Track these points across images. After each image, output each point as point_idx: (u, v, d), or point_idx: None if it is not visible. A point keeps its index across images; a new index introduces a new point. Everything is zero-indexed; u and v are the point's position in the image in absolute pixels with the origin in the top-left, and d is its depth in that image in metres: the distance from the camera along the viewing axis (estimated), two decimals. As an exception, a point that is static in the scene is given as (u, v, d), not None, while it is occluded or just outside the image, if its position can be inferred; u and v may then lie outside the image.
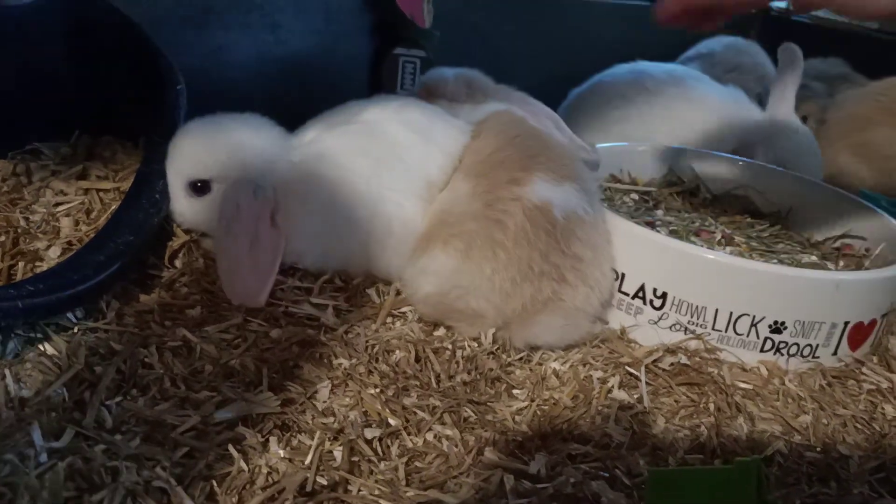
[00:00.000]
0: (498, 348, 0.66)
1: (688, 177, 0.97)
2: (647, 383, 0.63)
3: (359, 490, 0.49)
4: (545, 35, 1.26)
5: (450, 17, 1.08)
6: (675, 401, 0.62)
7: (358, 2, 1.08)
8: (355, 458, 0.51)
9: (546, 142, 0.75)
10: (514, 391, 0.62)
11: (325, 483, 0.48)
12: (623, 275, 0.72)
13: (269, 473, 0.49)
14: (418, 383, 0.59)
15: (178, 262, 0.69)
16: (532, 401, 0.60)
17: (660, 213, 0.90)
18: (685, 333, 0.69)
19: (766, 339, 0.68)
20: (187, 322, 0.61)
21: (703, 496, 0.46)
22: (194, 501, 0.45)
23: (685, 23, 0.72)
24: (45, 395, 0.52)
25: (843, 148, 1.11)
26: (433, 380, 0.60)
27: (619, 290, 0.72)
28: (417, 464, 0.52)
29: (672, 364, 0.65)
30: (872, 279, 0.69)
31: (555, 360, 0.66)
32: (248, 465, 0.49)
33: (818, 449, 0.59)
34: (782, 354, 0.69)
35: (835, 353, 0.70)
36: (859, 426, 0.62)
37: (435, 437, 0.54)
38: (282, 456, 0.50)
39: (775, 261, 0.81)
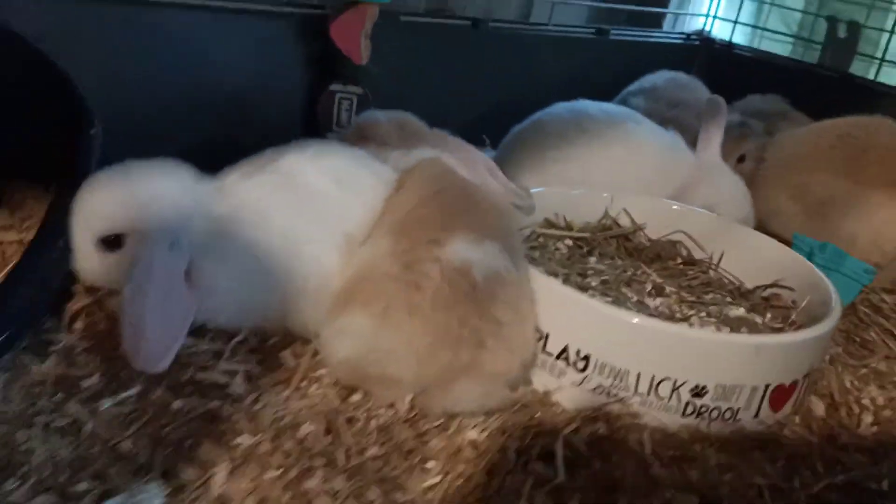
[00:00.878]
0: (415, 415, 0.64)
1: (624, 221, 0.97)
2: (565, 456, 0.61)
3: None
4: (487, 69, 1.25)
5: (389, 53, 1.06)
6: (593, 474, 0.60)
7: (292, 35, 1.05)
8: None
9: (471, 196, 0.73)
10: (428, 464, 0.60)
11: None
12: (547, 335, 0.70)
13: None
14: (325, 461, 0.56)
15: (78, 325, 0.65)
16: (445, 475, 0.58)
17: (593, 260, 0.89)
18: (608, 397, 0.68)
19: (687, 402, 0.67)
20: (82, 395, 0.58)
21: None
22: None
23: None
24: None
25: (780, 189, 1.11)
26: (342, 455, 0.57)
27: (543, 351, 0.71)
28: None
29: (591, 434, 0.63)
30: (792, 342, 0.69)
31: (473, 428, 0.64)
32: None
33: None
34: (704, 418, 0.68)
35: (756, 416, 0.69)
36: (776, 495, 0.62)
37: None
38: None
39: (704, 313, 0.81)
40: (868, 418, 0.76)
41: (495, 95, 1.25)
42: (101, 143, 0.77)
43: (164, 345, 0.63)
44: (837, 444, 0.70)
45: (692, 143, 1.07)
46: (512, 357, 0.66)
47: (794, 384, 0.70)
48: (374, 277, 0.67)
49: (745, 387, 0.67)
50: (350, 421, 0.61)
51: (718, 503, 0.59)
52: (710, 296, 0.85)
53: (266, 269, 0.70)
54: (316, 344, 0.70)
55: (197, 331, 0.67)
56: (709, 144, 1.03)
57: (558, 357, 0.70)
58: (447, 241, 0.66)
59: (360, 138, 0.85)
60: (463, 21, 1.19)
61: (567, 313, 0.69)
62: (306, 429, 0.59)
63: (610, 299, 0.78)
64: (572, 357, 0.69)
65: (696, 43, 1.57)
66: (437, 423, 0.64)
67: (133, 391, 0.59)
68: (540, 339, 0.71)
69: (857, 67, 1.47)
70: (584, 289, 0.80)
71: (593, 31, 1.39)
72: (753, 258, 0.89)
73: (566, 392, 0.69)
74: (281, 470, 0.54)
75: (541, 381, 0.71)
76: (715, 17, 1.60)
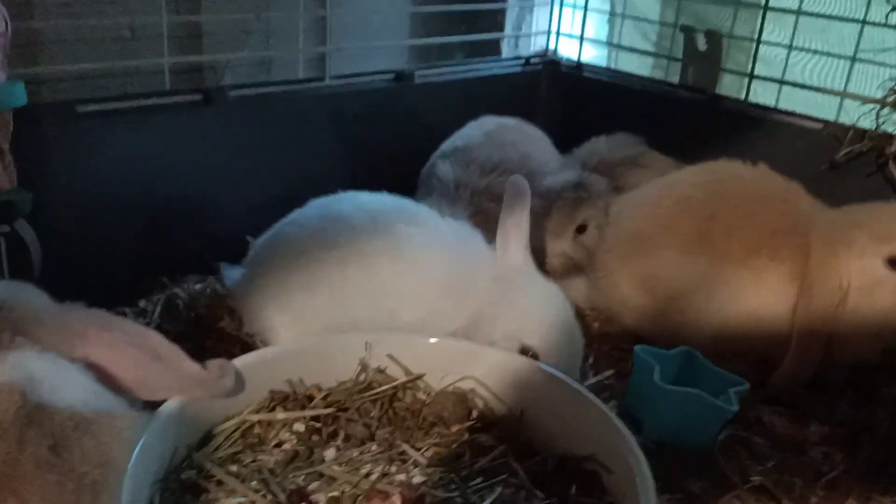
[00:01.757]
0: None
1: (391, 372, 0.70)
2: None
3: None
4: (235, 151, 0.96)
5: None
6: None
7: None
8: None
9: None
10: None
11: None
12: None
13: None
14: None
15: None
16: None
17: (329, 453, 0.62)
18: None
19: None
20: None
21: None
22: None
23: None
24: None
25: (623, 276, 0.86)
26: None
27: None
28: None
29: None
30: None
31: None
32: None
33: None
34: None
35: None
36: None
37: None
38: None
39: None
40: None
41: (256, 183, 0.97)
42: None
43: None
44: None
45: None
46: None
47: None
48: None
49: None
50: None
51: None
52: (497, 493, 0.59)
53: None
54: None
55: None
56: (507, 247, 0.75)
57: None
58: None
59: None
60: (194, 96, 0.91)
61: None
62: None
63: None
64: None
65: (539, 67, 1.30)
66: None
67: None
68: None
69: (727, 85, 1.22)
70: (291, 528, 0.54)
71: (391, 76, 1.12)
72: (564, 420, 0.64)
73: None
74: None
75: None
76: (559, 33, 1.34)
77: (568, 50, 1.34)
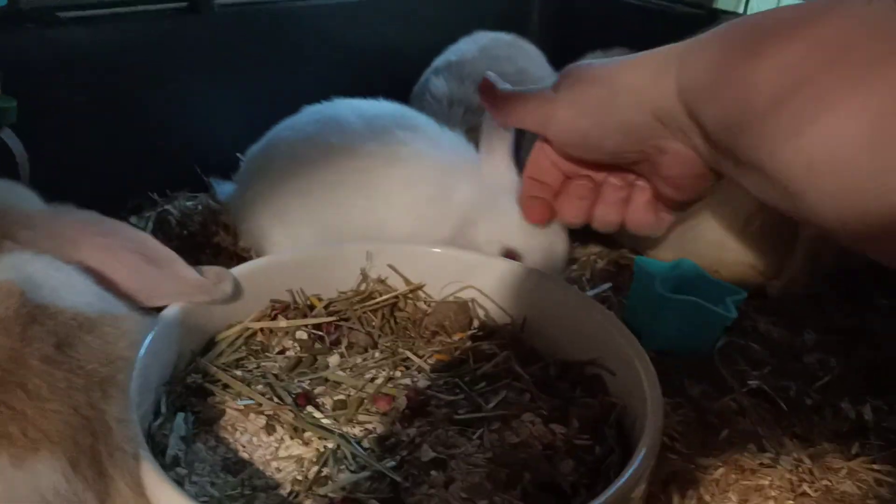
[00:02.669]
0: None
1: (392, 282, 0.69)
2: None
3: None
4: (220, 65, 0.93)
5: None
6: None
7: None
8: None
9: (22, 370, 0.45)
10: None
11: None
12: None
13: None
14: None
15: None
16: None
17: (333, 360, 0.62)
18: None
19: None
20: None
21: None
22: None
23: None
24: None
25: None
26: None
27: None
28: None
29: None
30: None
31: None
32: None
33: None
34: None
35: None
36: None
37: None
38: None
39: (477, 438, 0.54)
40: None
41: (245, 97, 0.94)
42: None
43: None
44: None
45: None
46: None
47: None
48: None
49: None
50: None
51: None
52: (501, 396, 0.59)
53: None
54: None
55: None
56: (492, 153, 0.73)
57: None
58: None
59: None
60: (179, 2, 0.87)
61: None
62: None
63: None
64: None
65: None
66: None
67: None
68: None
69: (726, -1, 1.20)
70: (298, 430, 0.54)
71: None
72: (567, 325, 0.64)
73: None
74: None
75: None
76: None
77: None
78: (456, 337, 0.66)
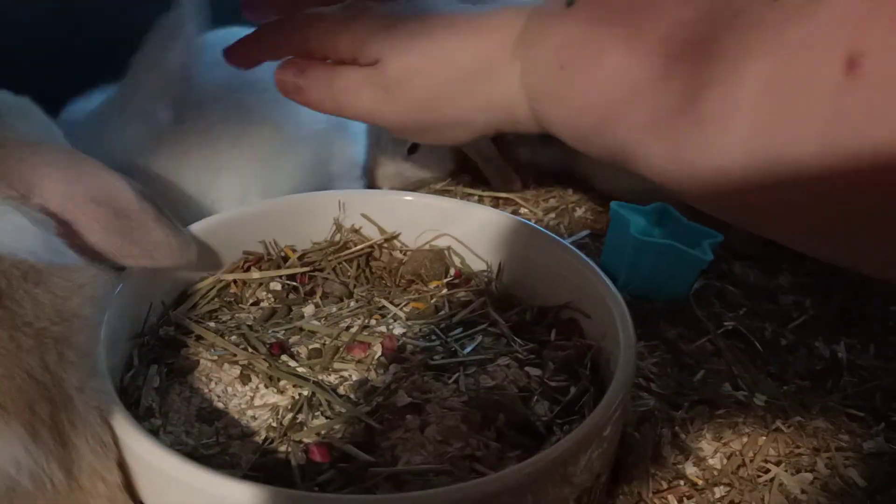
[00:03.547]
0: None
1: (367, 232, 0.68)
2: None
3: None
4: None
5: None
6: None
7: None
8: None
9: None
10: None
11: None
12: (159, 518, 0.44)
13: None
14: None
15: None
16: None
17: (308, 310, 0.61)
18: None
19: None
20: None
21: None
22: None
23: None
24: None
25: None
26: None
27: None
28: None
29: None
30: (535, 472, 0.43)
31: None
32: None
33: None
34: None
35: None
36: None
37: None
38: None
39: (453, 382, 0.55)
40: None
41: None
42: None
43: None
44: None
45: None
46: None
47: (563, 517, 0.46)
48: None
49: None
50: None
51: None
52: (478, 342, 0.59)
53: None
54: None
55: None
56: None
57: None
58: None
59: None
60: None
61: (171, 490, 0.43)
62: None
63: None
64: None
65: None
66: None
67: None
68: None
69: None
70: (273, 378, 0.53)
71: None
72: (544, 268, 0.63)
73: None
74: None
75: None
76: None
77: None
78: (432, 285, 0.65)
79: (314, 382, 0.53)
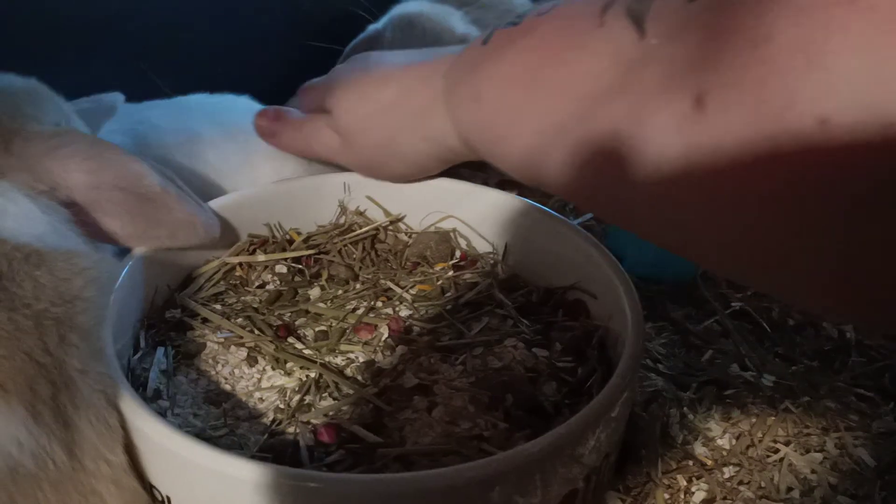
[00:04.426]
0: None
1: (371, 214, 0.68)
2: None
3: None
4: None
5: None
6: None
7: None
8: None
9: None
10: None
11: None
12: (168, 500, 0.44)
13: None
14: None
15: None
16: None
17: (314, 292, 0.61)
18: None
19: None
20: None
21: None
22: None
23: None
24: None
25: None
26: None
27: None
28: None
29: None
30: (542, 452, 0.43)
31: None
32: None
33: None
34: None
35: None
36: None
37: None
38: None
39: (460, 364, 0.54)
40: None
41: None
42: None
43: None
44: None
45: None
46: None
47: (570, 495, 0.46)
48: None
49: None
50: None
51: None
52: (484, 322, 0.59)
53: None
54: None
55: None
56: None
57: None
58: None
59: None
60: None
61: (174, 470, 0.43)
62: None
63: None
64: (213, 528, 0.43)
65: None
66: None
67: None
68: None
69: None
70: (280, 360, 0.53)
71: None
72: (550, 249, 0.63)
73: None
74: None
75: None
76: None
77: None
78: (438, 267, 0.65)
79: (321, 364, 0.53)
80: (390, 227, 0.68)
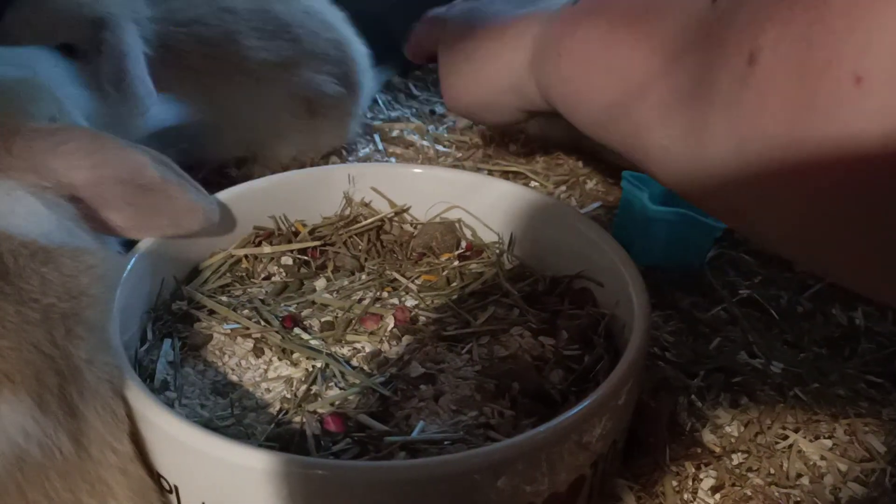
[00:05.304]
0: None
1: (377, 205, 0.68)
2: None
3: None
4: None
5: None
6: None
7: None
8: None
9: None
10: None
11: None
12: (176, 489, 0.44)
13: None
14: None
15: None
16: None
17: (320, 283, 0.61)
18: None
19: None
20: None
21: None
22: None
23: None
24: None
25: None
26: None
27: (180, 509, 0.45)
28: None
29: None
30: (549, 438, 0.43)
31: None
32: None
33: None
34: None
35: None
36: None
37: None
38: None
39: (466, 353, 0.54)
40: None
41: None
42: None
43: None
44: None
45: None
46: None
47: (578, 482, 0.46)
48: None
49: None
50: None
51: None
52: (489, 311, 0.59)
53: None
54: None
55: None
56: None
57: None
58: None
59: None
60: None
61: (179, 457, 0.43)
62: None
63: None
64: (220, 517, 0.43)
65: None
66: None
67: None
68: (171, 492, 0.45)
69: None
70: (286, 351, 0.53)
71: None
72: (555, 238, 0.63)
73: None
74: None
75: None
76: None
77: None
78: (443, 258, 0.65)
79: (327, 354, 0.53)
80: (395, 218, 0.68)
